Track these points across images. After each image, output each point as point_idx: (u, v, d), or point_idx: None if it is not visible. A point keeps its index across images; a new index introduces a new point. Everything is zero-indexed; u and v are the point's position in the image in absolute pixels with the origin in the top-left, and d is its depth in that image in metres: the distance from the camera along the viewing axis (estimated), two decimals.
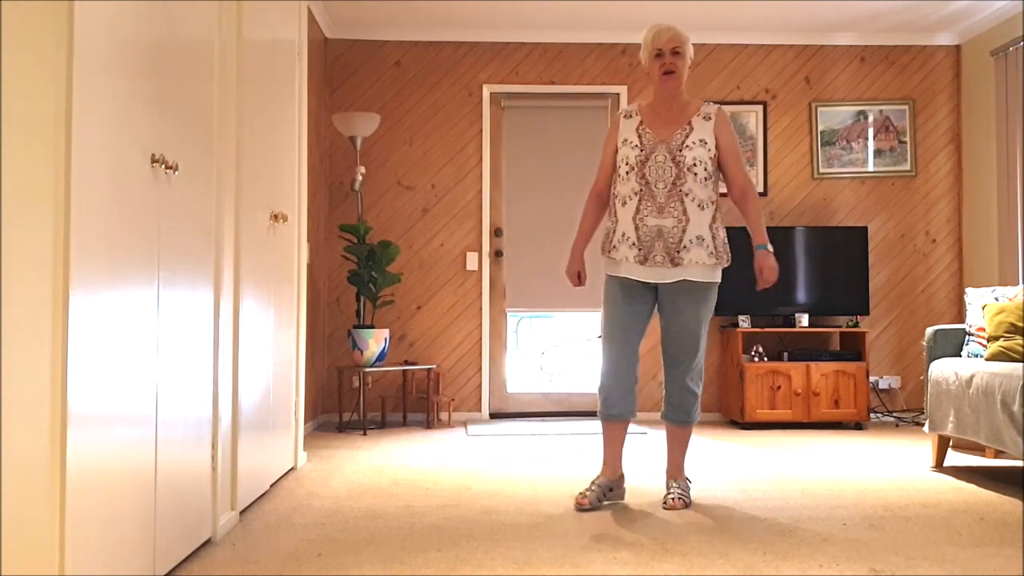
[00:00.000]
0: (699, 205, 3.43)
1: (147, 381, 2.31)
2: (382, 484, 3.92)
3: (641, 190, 3.45)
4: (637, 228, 3.44)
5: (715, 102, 6.37)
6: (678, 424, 3.58)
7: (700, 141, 3.46)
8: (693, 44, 6.36)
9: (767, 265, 3.47)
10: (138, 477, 2.26)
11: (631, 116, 3.58)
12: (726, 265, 3.51)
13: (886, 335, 6.39)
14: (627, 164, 3.48)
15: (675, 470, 3.61)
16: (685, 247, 3.42)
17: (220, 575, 2.58)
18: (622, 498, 3.57)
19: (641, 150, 3.47)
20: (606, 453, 3.56)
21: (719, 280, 3.50)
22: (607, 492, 3.52)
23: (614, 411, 3.50)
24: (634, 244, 3.45)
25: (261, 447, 3.56)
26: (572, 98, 6.40)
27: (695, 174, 3.43)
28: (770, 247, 3.51)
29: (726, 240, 3.53)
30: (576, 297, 6.31)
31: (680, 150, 3.45)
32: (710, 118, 3.52)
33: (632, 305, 3.50)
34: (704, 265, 3.45)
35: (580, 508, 3.41)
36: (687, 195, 3.42)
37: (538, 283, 6.34)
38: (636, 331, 3.50)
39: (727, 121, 3.56)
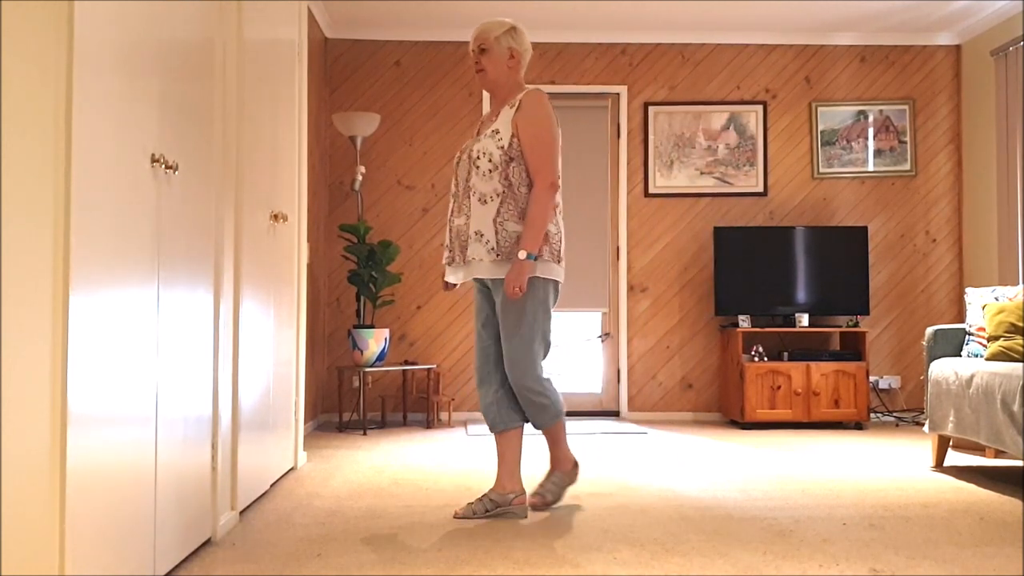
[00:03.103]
0: (480, 200, 3.29)
1: (147, 381, 2.31)
2: (382, 484, 3.92)
3: (453, 191, 3.43)
4: (449, 230, 3.41)
5: (714, 102, 6.40)
6: (530, 423, 3.43)
7: (492, 132, 3.33)
8: (693, 44, 6.43)
9: (511, 275, 3.19)
10: (138, 477, 2.26)
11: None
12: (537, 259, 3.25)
13: (886, 335, 6.39)
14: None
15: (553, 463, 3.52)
16: (468, 244, 3.31)
17: (220, 575, 2.58)
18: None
19: (460, 152, 3.43)
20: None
21: (531, 275, 3.24)
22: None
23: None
24: (446, 246, 3.41)
25: (261, 447, 3.56)
26: (572, 98, 6.40)
27: (478, 167, 3.30)
28: (523, 256, 3.19)
29: (521, 234, 3.26)
30: (576, 297, 6.30)
31: (475, 145, 3.36)
32: (515, 106, 3.33)
33: (480, 308, 3.46)
34: (486, 262, 3.28)
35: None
36: (471, 190, 3.32)
37: None
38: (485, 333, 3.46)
39: (532, 106, 3.30)
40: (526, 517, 3.31)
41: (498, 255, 3.26)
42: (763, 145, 6.40)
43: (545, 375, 3.37)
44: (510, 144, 3.28)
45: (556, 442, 3.49)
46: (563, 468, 3.51)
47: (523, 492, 3.37)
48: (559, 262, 3.34)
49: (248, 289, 3.33)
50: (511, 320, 3.30)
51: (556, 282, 3.37)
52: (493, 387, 3.41)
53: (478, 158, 3.31)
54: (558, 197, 3.34)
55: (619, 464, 4.42)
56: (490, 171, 3.28)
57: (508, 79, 3.41)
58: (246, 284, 3.30)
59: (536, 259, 3.24)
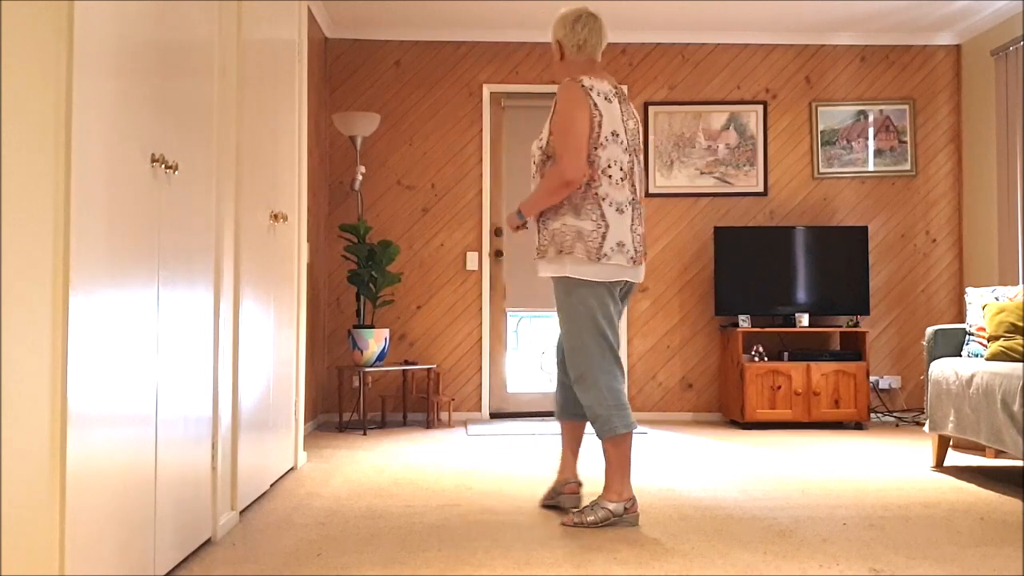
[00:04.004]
0: None
1: (147, 381, 2.31)
2: (382, 484, 3.92)
3: None
4: None
5: (714, 102, 6.40)
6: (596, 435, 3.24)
7: (540, 133, 3.34)
8: (693, 44, 6.43)
9: (506, 216, 3.23)
10: (138, 477, 2.26)
11: None
12: (568, 256, 3.14)
13: (886, 335, 6.39)
14: None
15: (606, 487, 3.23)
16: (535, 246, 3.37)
17: (220, 575, 2.58)
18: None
19: None
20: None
21: (563, 274, 3.17)
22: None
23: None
24: None
25: (261, 447, 3.56)
26: None
27: (533, 169, 3.37)
28: (522, 212, 3.30)
29: (564, 231, 3.16)
30: None
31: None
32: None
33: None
34: (536, 260, 3.30)
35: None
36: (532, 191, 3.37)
37: (538, 283, 6.34)
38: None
39: (557, 100, 3.20)
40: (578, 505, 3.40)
41: (539, 255, 3.29)
42: (763, 145, 6.40)
43: (606, 379, 3.15)
44: (547, 143, 3.27)
45: (607, 462, 3.18)
46: (607, 497, 3.15)
47: (576, 481, 3.43)
48: (599, 260, 3.11)
49: (248, 289, 3.33)
50: (559, 318, 3.28)
51: (603, 283, 3.16)
52: (564, 376, 3.44)
53: (531, 162, 3.37)
54: (607, 191, 3.15)
55: None
56: (535, 172, 3.34)
57: (562, 73, 3.32)
58: (246, 284, 3.30)
59: (525, 219, 3.33)
